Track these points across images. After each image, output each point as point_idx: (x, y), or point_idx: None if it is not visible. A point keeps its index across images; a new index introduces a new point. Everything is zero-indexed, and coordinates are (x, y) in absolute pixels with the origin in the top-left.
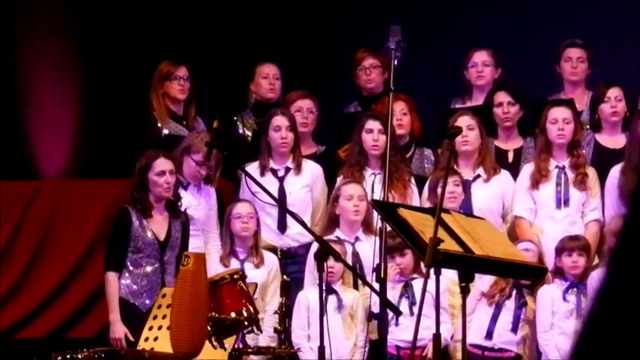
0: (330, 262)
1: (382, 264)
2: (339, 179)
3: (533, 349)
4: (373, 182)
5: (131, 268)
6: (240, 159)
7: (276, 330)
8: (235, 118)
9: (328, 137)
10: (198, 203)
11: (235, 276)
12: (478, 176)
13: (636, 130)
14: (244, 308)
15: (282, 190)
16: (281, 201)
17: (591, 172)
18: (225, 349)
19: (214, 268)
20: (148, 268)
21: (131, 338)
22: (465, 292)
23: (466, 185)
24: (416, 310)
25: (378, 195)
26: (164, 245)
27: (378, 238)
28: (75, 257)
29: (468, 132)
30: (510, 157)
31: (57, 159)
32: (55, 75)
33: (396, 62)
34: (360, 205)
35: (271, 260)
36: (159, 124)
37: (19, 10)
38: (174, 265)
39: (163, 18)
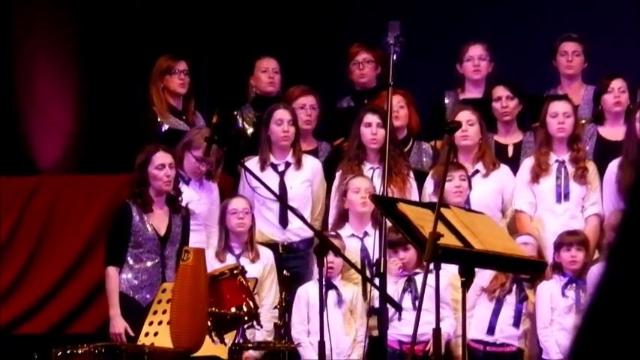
0: (330, 257)
1: (382, 259)
2: (338, 174)
3: (534, 343)
4: (372, 177)
5: (131, 262)
6: (240, 154)
7: (276, 325)
8: (235, 112)
9: (322, 132)
10: (199, 198)
11: (235, 271)
12: (477, 171)
13: (633, 124)
14: (244, 303)
15: (282, 185)
16: (281, 196)
17: (591, 167)
18: (225, 344)
19: (211, 264)
20: (149, 263)
21: (131, 333)
22: (465, 286)
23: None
24: (422, 305)
25: (377, 189)
26: (164, 240)
27: (377, 233)
28: (74, 253)
29: (468, 127)
30: (510, 151)
31: (57, 154)
32: (55, 71)
33: (394, 57)
34: (368, 197)
35: (267, 255)
36: (159, 119)
37: (18, 6)
38: (174, 260)
39: (162, 13)
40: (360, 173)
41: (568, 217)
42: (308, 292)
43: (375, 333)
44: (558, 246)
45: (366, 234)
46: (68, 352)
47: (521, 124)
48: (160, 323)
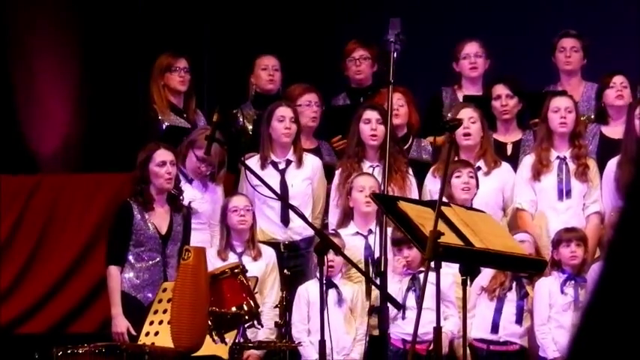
0: (330, 255)
1: (382, 257)
2: (338, 172)
3: (534, 340)
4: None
5: (133, 261)
6: (241, 152)
7: (276, 324)
8: (235, 110)
9: (318, 130)
10: (202, 197)
11: (236, 270)
12: (479, 168)
13: (632, 121)
14: (245, 302)
15: (283, 183)
16: (282, 195)
17: (592, 164)
18: (225, 344)
19: (212, 262)
20: (150, 262)
21: (133, 332)
22: (465, 285)
23: None
24: (423, 303)
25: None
26: (166, 239)
27: (378, 232)
28: (75, 252)
29: (470, 124)
30: (509, 149)
31: (57, 153)
32: (56, 69)
33: (395, 55)
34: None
35: (269, 253)
36: (159, 117)
37: (18, 4)
38: (176, 259)
39: (163, 11)
40: (362, 172)
41: (570, 214)
42: (308, 290)
43: (376, 332)
44: (557, 243)
45: (370, 232)
46: (69, 351)
47: (520, 122)
48: (160, 323)
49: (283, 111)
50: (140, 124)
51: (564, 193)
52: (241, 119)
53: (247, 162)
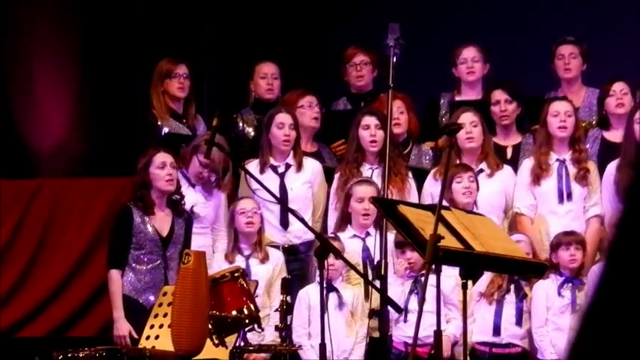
0: (331, 259)
1: (382, 261)
2: (337, 176)
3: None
4: (371, 176)
5: (134, 264)
6: (241, 156)
7: (277, 327)
8: (235, 115)
9: (318, 134)
10: (205, 201)
11: (236, 274)
12: (481, 170)
13: (632, 125)
14: (245, 306)
15: (283, 187)
16: (281, 199)
17: (592, 167)
18: (226, 347)
19: (220, 266)
20: (150, 265)
21: (135, 336)
22: (465, 288)
23: None
24: (425, 306)
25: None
26: (166, 241)
27: (378, 235)
28: (75, 256)
29: (472, 128)
30: (509, 153)
31: (57, 157)
32: (55, 73)
33: (394, 60)
34: (371, 207)
35: (276, 256)
36: (159, 123)
37: (18, 6)
38: (177, 262)
39: (163, 16)
40: (361, 178)
41: (570, 218)
42: (309, 294)
43: (376, 334)
44: (556, 246)
45: (367, 234)
46: (69, 355)
47: (520, 126)
48: (160, 326)
49: (282, 117)
50: (140, 129)
51: (565, 195)
52: (241, 124)
53: (247, 166)
